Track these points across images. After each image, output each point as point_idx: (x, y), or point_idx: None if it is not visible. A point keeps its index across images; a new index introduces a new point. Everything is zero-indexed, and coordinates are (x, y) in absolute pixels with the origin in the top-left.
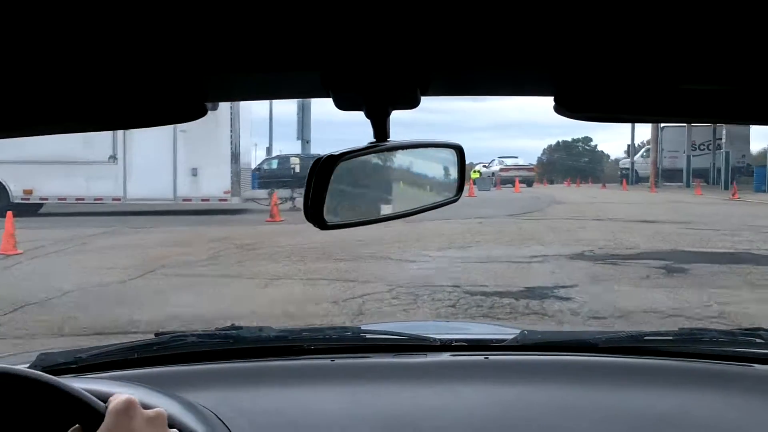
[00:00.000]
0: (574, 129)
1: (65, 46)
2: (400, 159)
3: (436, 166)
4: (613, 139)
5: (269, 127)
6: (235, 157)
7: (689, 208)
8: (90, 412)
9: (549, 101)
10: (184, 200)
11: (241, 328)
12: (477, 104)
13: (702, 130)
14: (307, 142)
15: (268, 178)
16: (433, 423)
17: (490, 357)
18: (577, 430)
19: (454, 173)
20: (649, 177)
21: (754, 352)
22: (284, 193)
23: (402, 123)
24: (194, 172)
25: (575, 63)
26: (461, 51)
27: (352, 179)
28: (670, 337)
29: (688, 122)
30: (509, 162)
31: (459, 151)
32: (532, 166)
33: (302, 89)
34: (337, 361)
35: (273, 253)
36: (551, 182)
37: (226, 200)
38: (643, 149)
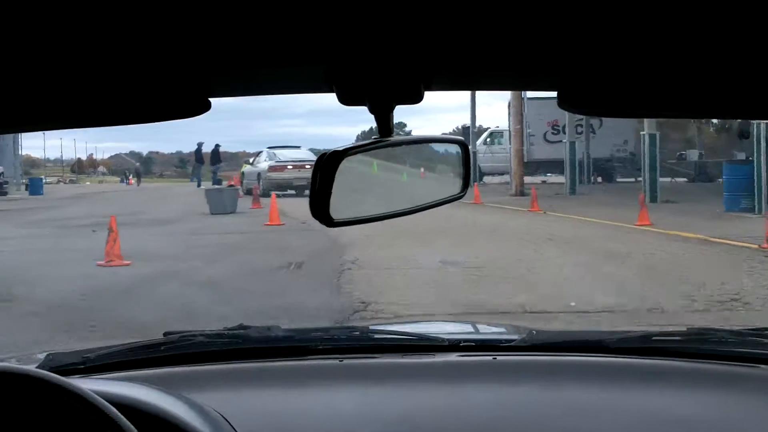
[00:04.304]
0: None
1: (73, 43)
2: (405, 154)
3: (440, 162)
4: (424, 125)
5: None
6: None
7: None
8: (98, 415)
9: None
10: None
11: (249, 327)
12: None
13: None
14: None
15: None
16: (442, 424)
17: (499, 357)
18: (586, 430)
19: (458, 169)
20: (496, 173)
21: (762, 353)
22: None
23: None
24: None
25: (578, 60)
26: (465, 46)
27: (357, 175)
28: (679, 338)
29: (692, 117)
30: (287, 155)
31: (463, 146)
32: None
33: (306, 84)
34: (345, 361)
35: None
36: None
37: None
38: (485, 134)
